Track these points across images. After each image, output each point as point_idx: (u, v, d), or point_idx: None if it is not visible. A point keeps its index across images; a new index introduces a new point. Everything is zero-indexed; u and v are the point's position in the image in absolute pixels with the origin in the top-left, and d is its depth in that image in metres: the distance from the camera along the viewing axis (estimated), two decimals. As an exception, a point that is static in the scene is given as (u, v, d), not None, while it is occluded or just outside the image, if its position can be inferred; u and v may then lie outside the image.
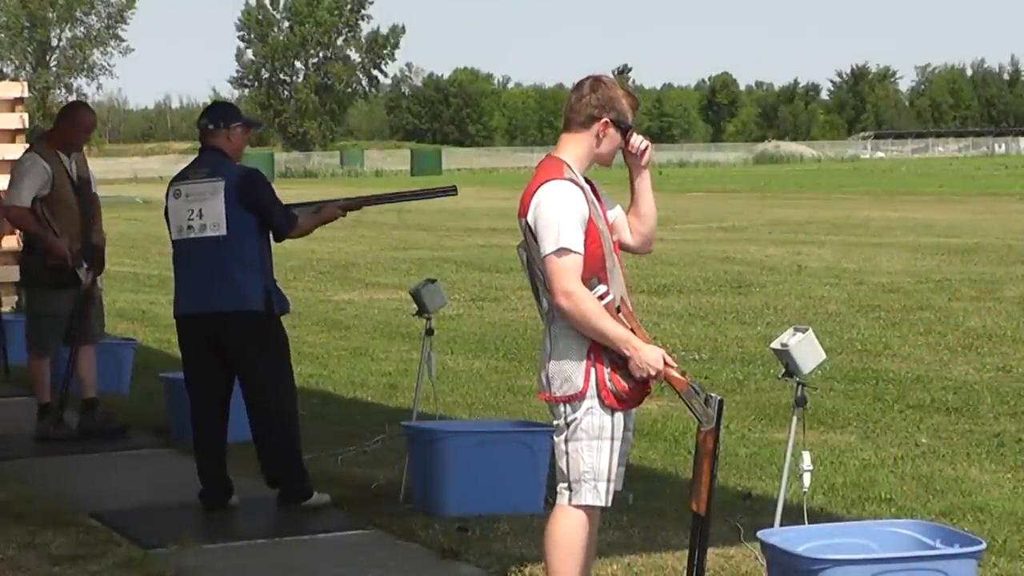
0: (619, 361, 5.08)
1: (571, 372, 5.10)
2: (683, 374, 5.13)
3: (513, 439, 7.49)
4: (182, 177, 7.68)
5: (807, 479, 6.00)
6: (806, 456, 5.97)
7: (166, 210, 7.66)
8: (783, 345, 5.89)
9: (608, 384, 5.08)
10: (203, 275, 7.45)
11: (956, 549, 5.12)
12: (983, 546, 5.16)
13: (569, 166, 5.16)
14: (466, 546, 6.70)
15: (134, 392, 11.10)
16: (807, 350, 5.89)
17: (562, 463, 5.19)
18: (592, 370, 5.08)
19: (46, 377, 9.66)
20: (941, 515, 7.17)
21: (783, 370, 5.99)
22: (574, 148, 5.20)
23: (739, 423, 9.69)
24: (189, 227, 7.49)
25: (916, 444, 9.09)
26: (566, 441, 5.16)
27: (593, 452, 5.13)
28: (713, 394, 5.14)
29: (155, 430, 9.68)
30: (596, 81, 5.22)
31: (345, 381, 11.82)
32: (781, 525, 5.90)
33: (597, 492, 5.15)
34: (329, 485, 7.82)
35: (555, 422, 5.22)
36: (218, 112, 7.79)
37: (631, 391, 5.11)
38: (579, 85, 5.26)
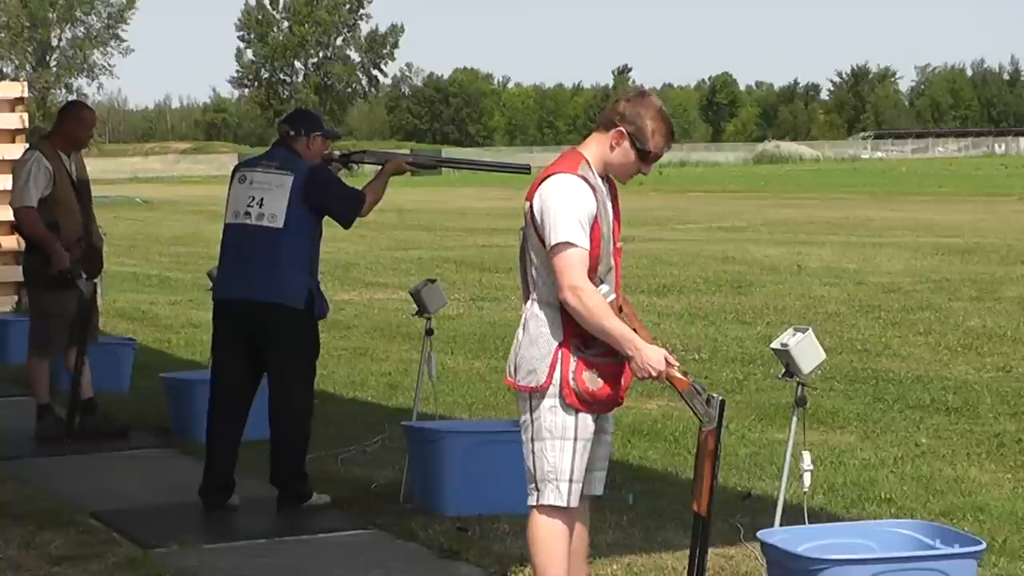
0: (589, 361, 5.07)
1: (536, 364, 5.10)
2: (685, 374, 5.13)
3: (513, 439, 7.37)
4: (251, 164, 7.67)
5: (807, 479, 6.00)
6: (806, 456, 5.97)
7: (228, 192, 7.64)
8: (783, 345, 5.89)
9: (571, 383, 5.07)
10: (250, 263, 7.42)
11: (956, 549, 5.12)
12: (983, 546, 5.16)
13: (587, 162, 5.16)
14: (466, 546, 6.70)
15: (134, 392, 11.09)
16: (807, 350, 5.89)
17: (529, 463, 5.20)
18: (557, 365, 5.08)
19: (46, 378, 9.65)
20: (941, 515, 7.17)
21: (783, 370, 5.99)
22: (594, 147, 5.21)
23: (739, 423, 9.69)
24: (246, 213, 7.47)
25: (916, 444, 9.09)
26: (531, 440, 5.17)
27: (556, 451, 5.12)
28: (715, 394, 5.14)
29: (155, 430, 9.67)
30: (639, 95, 5.22)
31: (345, 381, 11.81)
32: (781, 525, 5.89)
33: (559, 492, 5.14)
34: (329, 485, 7.82)
35: (521, 418, 5.22)
36: (301, 120, 7.80)
37: (595, 394, 5.09)
38: (626, 91, 5.34)
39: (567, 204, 5.03)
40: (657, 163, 5.36)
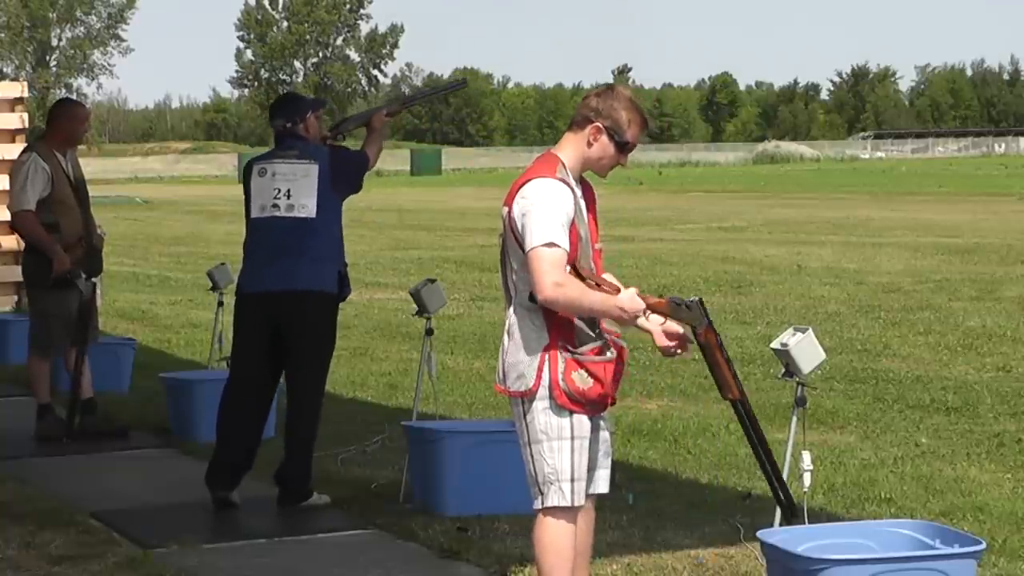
0: (578, 361, 5.08)
1: (524, 368, 5.10)
2: (660, 297, 5.23)
3: (513, 439, 7.43)
4: (268, 157, 7.67)
5: (807, 479, 6.00)
6: (806, 456, 5.97)
7: (247, 188, 7.64)
8: (783, 345, 5.90)
9: (561, 384, 5.07)
10: (284, 254, 7.43)
11: (956, 549, 5.11)
12: (983, 546, 5.15)
13: (564, 165, 5.16)
14: (466, 546, 6.70)
15: (134, 392, 11.09)
16: (807, 350, 5.89)
17: (529, 467, 5.20)
18: (545, 368, 5.08)
19: (47, 377, 9.65)
20: (941, 515, 7.17)
21: (783, 370, 5.99)
22: (570, 148, 5.21)
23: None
24: (274, 206, 7.48)
25: (916, 444, 9.09)
26: (529, 444, 5.17)
27: (555, 453, 5.12)
28: (690, 298, 5.26)
29: (155, 430, 9.68)
30: (608, 88, 5.24)
31: (345, 381, 11.81)
32: (781, 525, 5.89)
33: (562, 493, 5.14)
34: (329, 485, 7.82)
35: (516, 424, 5.22)
36: (287, 109, 7.79)
37: (585, 394, 5.09)
38: (595, 89, 5.31)
39: (547, 206, 5.02)
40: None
